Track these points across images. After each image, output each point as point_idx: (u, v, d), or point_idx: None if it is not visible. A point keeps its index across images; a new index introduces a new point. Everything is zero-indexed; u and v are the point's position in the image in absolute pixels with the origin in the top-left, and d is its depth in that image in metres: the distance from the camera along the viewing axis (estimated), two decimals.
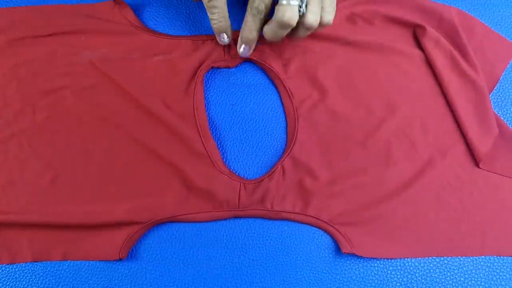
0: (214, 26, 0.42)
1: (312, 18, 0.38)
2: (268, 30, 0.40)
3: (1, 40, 0.46)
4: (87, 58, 0.45)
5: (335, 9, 0.41)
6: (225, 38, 0.43)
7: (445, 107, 0.46)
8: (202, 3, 0.48)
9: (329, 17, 0.40)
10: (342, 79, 0.46)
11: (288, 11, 0.37)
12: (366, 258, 0.43)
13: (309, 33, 0.41)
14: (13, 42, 0.46)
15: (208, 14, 0.41)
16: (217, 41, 0.45)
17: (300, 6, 0.38)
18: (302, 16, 0.38)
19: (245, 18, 0.41)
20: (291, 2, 0.37)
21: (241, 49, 0.43)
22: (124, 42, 0.46)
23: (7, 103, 0.44)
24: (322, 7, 0.39)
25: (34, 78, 0.45)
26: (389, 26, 0.47)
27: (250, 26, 0.41)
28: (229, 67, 0.47)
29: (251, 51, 0.44)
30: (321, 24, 0.40)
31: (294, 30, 0.40)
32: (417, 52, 0.47)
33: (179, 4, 0.49)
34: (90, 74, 0.45)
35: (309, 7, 0.38)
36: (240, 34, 0.43)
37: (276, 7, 0.38)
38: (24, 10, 0.47)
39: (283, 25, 0.38)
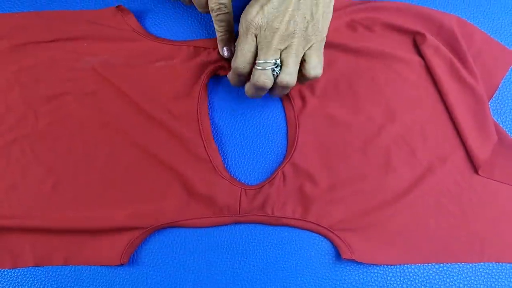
0: (219, 38, 0.43)
1: (286, 79, 0.39)
2: (248, 89, 0.42)
3: (3, 45, 0.46)
4: (89, 64, 0.45)
5: (322, 60, 0.41)
6: (225, 53, 0.44)
7: (444, 114, 0.46)
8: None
9: (316, 71, 0.40)
10: (342, 86, 0.46)
11: (262, 76, 0.38)
12: (366, 264, 0.43)
13: (288, 90, 0.41)
14: (16, 47, 0.46)
15: (215, 26, 0.42)
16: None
17: (274, 70, 0.38)
18: (277, 77, 0.39)
19: (230, 73, 0.42)
20: (266, 67, 0.38)
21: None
22: (126, 48, 0.46)
23: (10, 109, 0.45)
24: (307, 62, 0.39)
25: (36, 84, 0.45)
26: (389, 33, 0.47)
27: (232, 81, 0.43)
28: None
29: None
30: (308, 79, 0.40)
31: (272, 89, 0.41)
32: (417, 59, 0.47)
33: (181, 10, 0.49)
34: (92, 80, 0.45)
35: (283, 68, 0.38)
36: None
37: (253, 70, 0.39)
38: (26, 15, 0.47)
39: (258, 87, 0.39)
